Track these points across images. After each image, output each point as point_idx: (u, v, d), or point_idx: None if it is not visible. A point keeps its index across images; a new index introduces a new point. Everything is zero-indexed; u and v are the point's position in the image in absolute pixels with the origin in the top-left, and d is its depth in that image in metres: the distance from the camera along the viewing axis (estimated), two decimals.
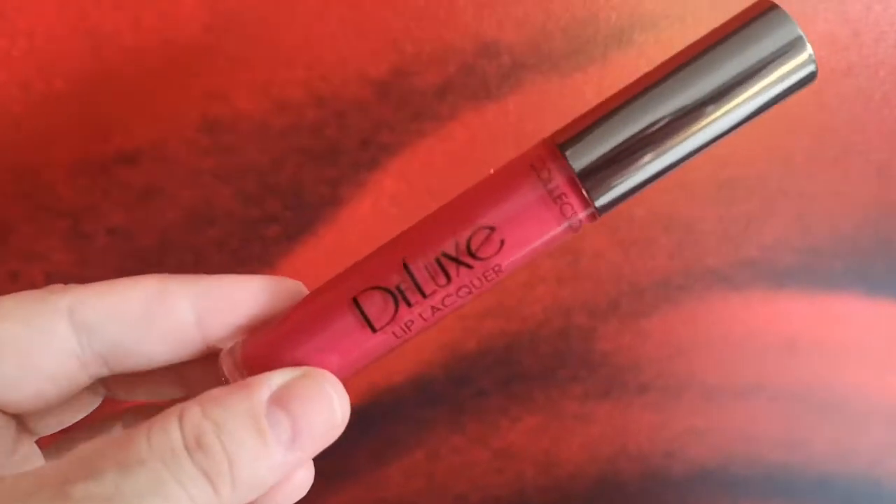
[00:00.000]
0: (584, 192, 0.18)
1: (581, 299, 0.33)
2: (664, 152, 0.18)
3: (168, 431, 0.16)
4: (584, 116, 0.18)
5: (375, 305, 0.18)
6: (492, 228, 0.18)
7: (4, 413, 0.19)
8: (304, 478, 0.20)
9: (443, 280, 0.18)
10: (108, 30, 0.26)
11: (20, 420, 0.20)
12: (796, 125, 0.31)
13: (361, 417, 0.34)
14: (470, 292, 0.19)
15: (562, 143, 0.18)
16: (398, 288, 0.18)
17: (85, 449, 0.17)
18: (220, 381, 0.20)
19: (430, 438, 0.35)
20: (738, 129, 0.18)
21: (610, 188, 0.18)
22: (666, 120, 0.17)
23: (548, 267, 0.32)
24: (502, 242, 0.18)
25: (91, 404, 0.22)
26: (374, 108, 0.28)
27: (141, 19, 0.26)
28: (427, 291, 0.18)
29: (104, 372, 0.20)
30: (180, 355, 0.20)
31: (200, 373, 0.21)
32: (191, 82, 0.27)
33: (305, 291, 0.21)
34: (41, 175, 0.27)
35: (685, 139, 0.18)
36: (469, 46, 0.27)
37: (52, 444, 0.22)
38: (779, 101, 0.18)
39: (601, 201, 0.18)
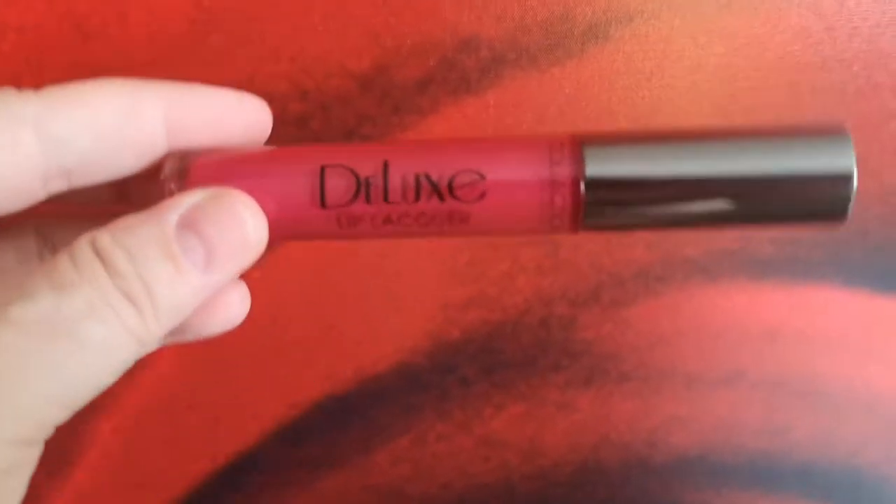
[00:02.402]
0: (581, 198, 0.17)
1: (561, 289, 0.33)
2: (676, 207, 0.17)
3: (86, 257, 0.16)
4: (619, 132, 0.18)
5: (337, 184, 0.18)
6: (481, 176, 0.18)
7: None
8: (239, 303, 0.20)
9: (411, 196, 0.18)
10: (96, 24, 0.26)
11: None
12: (770, 118, 0.32)
13: (346, 405, 0.34)
14: (425, 225, 0.18)
15: (586, 142, 0.17)
16: (367, 180, 0.18)
17: (11, 272, 0.17)
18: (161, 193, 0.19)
19: (415, 426, 0.35)
20: (748, 223, 0.17)
21: (606, 211, 0.17)
22: (692, 177, 0.16)
23: (528, 257, 0.33)
24: (483, 194, 0.18)
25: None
26: (357, 102, 0.29)
27: (127, 14, 0.26)
28: (391, 198, 0.18)
29: (63, 187, 0.18)
30: (143, 167, 0.19)
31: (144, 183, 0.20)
32: (176, 75, 0.27)
33: (269, 116, 0.20)
34: None
35: (702, 205, 0.17)
36: (449, 41, 0.28)
37: None
38: (797, 220, 0.16)
39: (591, 219, 0.17)
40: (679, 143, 0.17)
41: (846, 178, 0.16)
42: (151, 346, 0.17)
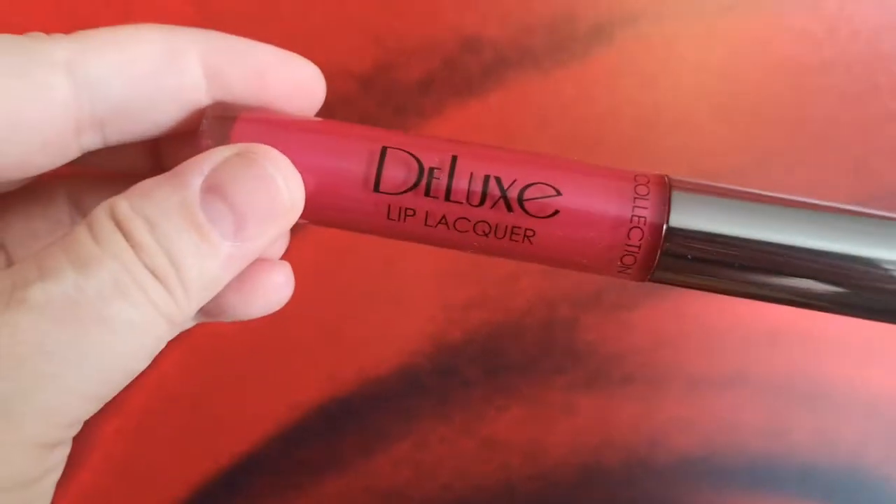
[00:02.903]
0: (660, 244, 0.15)
1: (564, 291, 0.33)
2: (760, 276, 0.15)
3: (106, 230, 0.14)
4: (712, 185, 0.16)
5: (397, 170, 0.16)
6: (557, 192, 0.16)
7: None
8: (284, 285, 0.18)
9: (476, 199, 0.16)
10: (100, 25, 0.26)
11: None
12: (773, 119, 0.32)
13: (348, 408, 0.34)
14: (482, 235, 0.16)
15: (676, 186, 0.16)
16: (431, 171, 0.16)
17: (41, 241, 0.15)
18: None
19: (416, 428, 0.35)
20: (836, 310, 0.15)
21: (680, 264, 0.15)
22: (789, 250, 0.15)
23: None
24: (555, 212, 0.16)
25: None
26: (360, 102, 0.29)
27: (131, 15, 0.26)
28: (453, 197, 0.16)
29: (96, 143, 0.17)
30: (180, 123, 0.17)
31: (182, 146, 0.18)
32: None
33: (322, 84, 0.18)
34: None
35: (790, 279, 0.15)
36: (452, 42, 0.28)
37: None
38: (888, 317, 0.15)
39: (661, 270, 0.16)
40: (779, 206, 0.15)
41: None
42: (184, 324, 0.15)
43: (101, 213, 0.14)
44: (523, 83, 0.29)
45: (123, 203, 0.14)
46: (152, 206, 0.14)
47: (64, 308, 0.13)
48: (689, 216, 0.15)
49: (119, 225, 0.14)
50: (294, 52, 0.18)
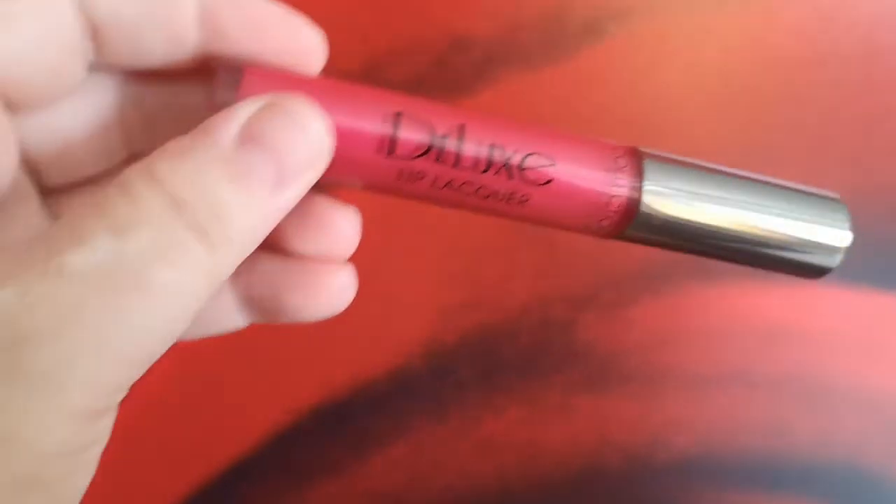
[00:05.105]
0: (634, 207, 0.18)
1: (559, 291, 0.33)
2: (705, 240, 0.18)
3: (144, 192, 0.14)
4: (676, 157, 0.19)
5: (409, 135, 0.17)
6: (552, 163, 0.18)
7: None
8: (347, 284, 0.18)
9: (481, 166, 0.17)
10: None
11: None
12: (767, 115, 0.31)
13: (342, 411, 0.34)
14: (482, 198, 0.18)
15: (647, 157, 0.18)
16: (442, 138, 0.17)
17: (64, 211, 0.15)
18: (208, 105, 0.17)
19: (412, 431, 0.35)
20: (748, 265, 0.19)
21: (649, 225, 0.18)
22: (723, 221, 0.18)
23: (525, 259, 0.32)
24: (549, 181, 0.18)
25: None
26: None
27: None
28: (462, 163, 0.17)
29: (96, 63, 0.17)
30: (168, 62, 0.17)
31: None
32: None
33: (323, 50, 0.18)
34: None
35: (719, 243, 0.18)
36: (441, 41, 0.28)
37: None
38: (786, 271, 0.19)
39: (632, 230, 0.18)
40: (727, 178, 0.18)
41: (833, 258, 0.19)
42: (223, 282, 0.15)
43: (135, 174, 0.14)
44: (514, 81, 0.29)
45: (161, 162, 0.14)
46: (190, 161, 0.14)
47: (102, 275, 0.13)
48: (657, 182, 0.18)
49: (158, 184, 0.14)
50: None
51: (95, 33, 0.16)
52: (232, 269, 0.15)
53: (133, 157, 0.19)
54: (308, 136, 0.15)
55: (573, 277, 0.33)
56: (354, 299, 0.33)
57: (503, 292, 0.33)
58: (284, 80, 0.17)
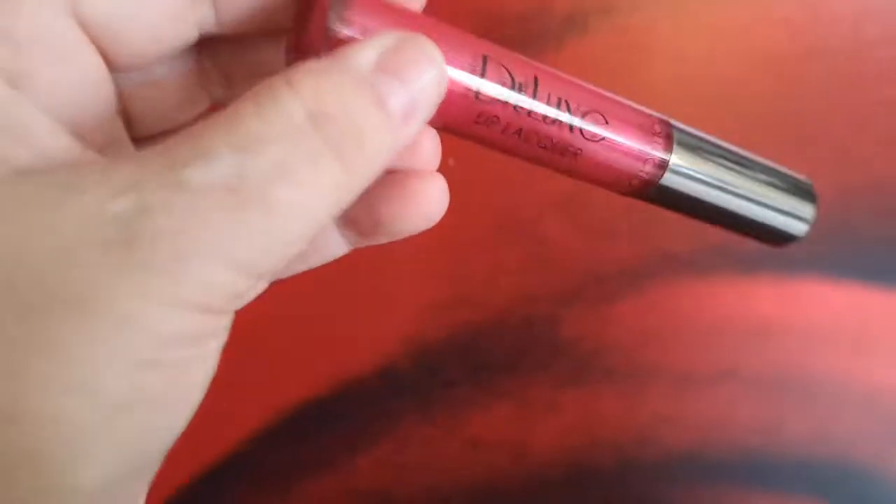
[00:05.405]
0: (659, 174, 0.20)
1: (544, 288, 0.33)
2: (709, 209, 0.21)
3: (283, 104, 0.14)
4: (704, 136, 0.21)
5: (494, 80, 0.17)
6: (606, 122, 0.19)
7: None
8: (440, 194, 0.19)
9: (550, 118, 0.18)
10: None
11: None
12: (754, 109, 0.31)
13: (329, 409, 0.34)
14: (542, 149, 0.19)
15: (678, 131, 0.20)
16: (520, 86, 0.18)
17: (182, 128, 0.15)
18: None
19: (399, 429, 0.35)
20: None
21: (667, 193, 0.20)
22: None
23: (510, 256, 0.32)
24: (601, 139, 0.19)
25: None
26: None
27: None
28: (533, 114, 0.18)
29: (209, 20, 0.17)
30: (277, 11, 0.17)
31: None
32: None
33: None
34: None
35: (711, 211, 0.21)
36: None
37: None
38: (755, 227, 0.22)
39: (654, 194, 0.20)
40: (731, 163, 0.21)
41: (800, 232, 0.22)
42: (348, 204, 0.15)
43: (275, 87, 0.14)
44: None
45: (302, 77, 0.14)
46: (335, 79, 0.14)
47: (223, 191, 0.13)
48: (682, 156, 0.20)
49: (299, 97, 0.14)
50: None
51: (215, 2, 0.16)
52: (358, 193, 0.15)
53: (214, 106, 0.19)
54: (437, 75, 0.16)
55: (558, 274, 0.33)
56: (340, 297, 0.33)
57: (489, 290, 0.33)
58: (392, 14, 0.17)
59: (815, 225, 0.22)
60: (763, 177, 0.21)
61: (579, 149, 0.19)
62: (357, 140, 0.14)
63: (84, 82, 0.15)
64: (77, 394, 0.13)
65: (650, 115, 0.20)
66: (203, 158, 0.13)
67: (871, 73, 0.31)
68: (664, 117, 0.20)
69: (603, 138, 0.19)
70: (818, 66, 0.31)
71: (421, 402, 0.34)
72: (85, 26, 0.15)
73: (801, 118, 0.32)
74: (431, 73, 0.16)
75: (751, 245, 0.35)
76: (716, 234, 0.34)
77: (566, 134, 0.18)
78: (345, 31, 0.16)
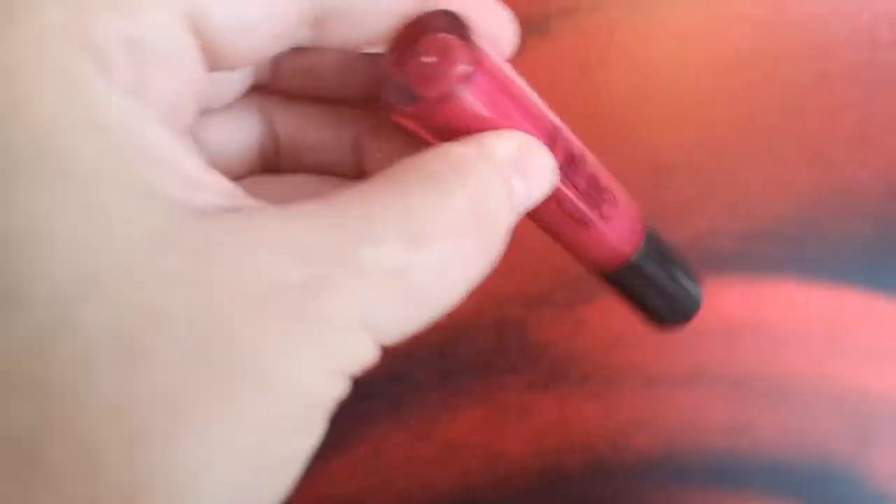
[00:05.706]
0: (628, 262, 0.21)
1: (513, 291, 0.33)
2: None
3: (450, 196, 0.14)
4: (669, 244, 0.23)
5: (558, 152, 0.18)
6: (616, 204, 0.19)
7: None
8: None
9: (583, 193, 0.18)
10: None
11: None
12: (729, 110, 0.31)
13: None
14: (562, 218, 0.19)
15: (650, 231, 0.21)
16: (573, 159, 0.18)
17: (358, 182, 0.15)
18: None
19: (371, 435, 0.35)
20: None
21: (624, 279, 0.21)
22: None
23: None
24: (609, 218, 0.19)
25: None
26: None
27: None
28: (578, 186, 0.18)
29: (307, 39, 0.17)
30: (387, 35, 0.17)
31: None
32: None
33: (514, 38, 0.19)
34: None
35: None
36: None
37: None
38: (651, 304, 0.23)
39: (614, 277, 0.21)
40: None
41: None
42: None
43: (439, 178, 0.14)
44: None
45: (463, 166, 0.15)
46: (481, 170, 0.15)
47: (391, 277, 0.13)
48: (644, 256, 0.21)
49: (465, 193, 0.14)
50: None
51: (318, 21, 0.16)
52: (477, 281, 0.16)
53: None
54: (551, 184, 0.17)
55: (526, 277, 0.33)
56: None
57: None
58: (502, 82, 0.17)
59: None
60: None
61: (589, 222, 0.19)
62: (497, 235, 0.15)
63: (194, 92, 0.15)
64: (241, 458, 0.12)
65: (639, 210, 0.21)
66: (374, 240, 0.13)
67: (838, 73, 0.31)
68: (646, 216, 0.21)
69: (610, 217, 0.19)
70: (790, 67, 0.31)
71: (392, 406, 0.34)
72: (199, 34, 0.14)
73: (770, 120, 0.32)
74: (549, 181, 0.17)
75: (722, 245, 0.35)
76: (686, 235, 0.34)
77: (586, 206, 0.18)
78: (468, 98, 0.16)
